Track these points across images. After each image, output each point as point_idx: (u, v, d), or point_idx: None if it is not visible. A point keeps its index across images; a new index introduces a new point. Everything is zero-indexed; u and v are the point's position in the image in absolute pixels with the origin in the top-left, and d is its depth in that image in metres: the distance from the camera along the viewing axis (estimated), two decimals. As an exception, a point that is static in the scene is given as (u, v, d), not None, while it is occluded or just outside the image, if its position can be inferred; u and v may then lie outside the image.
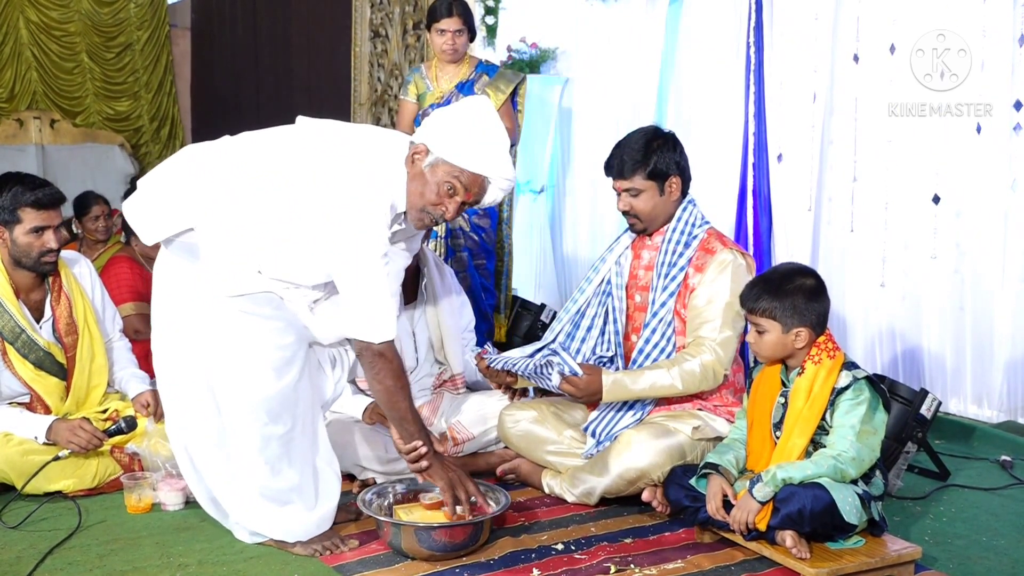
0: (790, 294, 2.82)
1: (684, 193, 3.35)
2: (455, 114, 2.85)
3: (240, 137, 2.91)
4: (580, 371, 3.17)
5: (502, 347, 3.42)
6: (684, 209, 3.35)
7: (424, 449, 2.85)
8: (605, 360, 3.36)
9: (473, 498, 2.86)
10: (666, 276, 3.28)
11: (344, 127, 2.92)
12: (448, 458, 2.99)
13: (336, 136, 2.85)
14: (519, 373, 3.33)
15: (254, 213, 2.77)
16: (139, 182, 2.96)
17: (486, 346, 3.58)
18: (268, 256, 2.79)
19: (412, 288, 3.81)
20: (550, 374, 3.18)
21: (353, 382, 3.51)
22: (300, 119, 2.92)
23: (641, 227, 3.35)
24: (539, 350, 3.42)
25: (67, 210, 3.80)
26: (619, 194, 3.33)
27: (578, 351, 3.40)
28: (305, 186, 2.74)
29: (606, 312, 3.44)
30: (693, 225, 3.33)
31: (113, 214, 5.79)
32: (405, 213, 2.84)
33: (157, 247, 2.95)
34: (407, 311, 3.77)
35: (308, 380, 2.91)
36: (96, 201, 5.51)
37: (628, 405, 3.29)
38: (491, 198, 2.86)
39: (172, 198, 2.84)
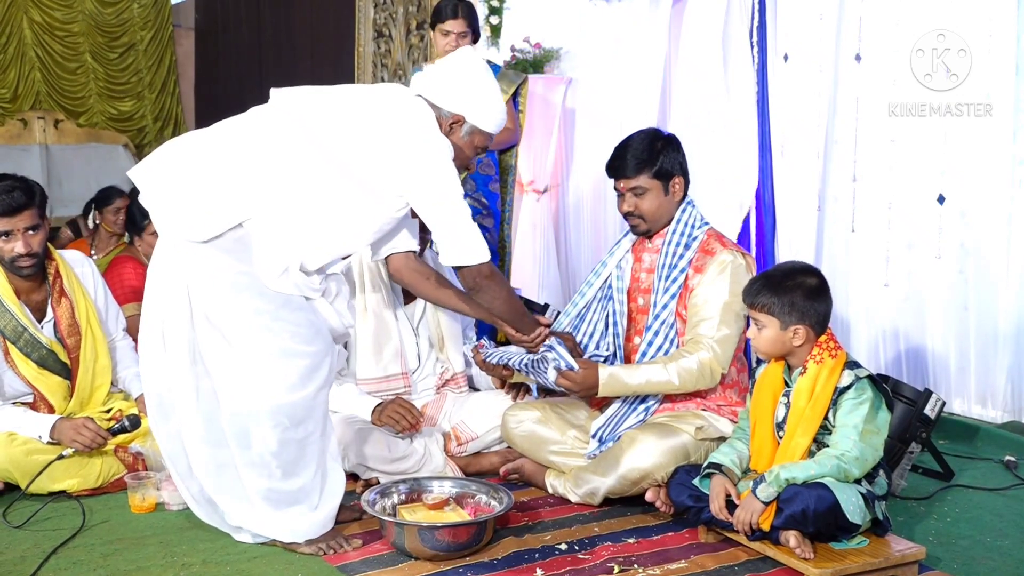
0: (789, 291, 2.82)
1: (684, 194, 3.36)
2: (473, 78, 3.00)
3: (254, 121, 2.87)
4: (576, 365, 3.17)
5: (503, 346, 3.43)
6: (683, 211, 3.35)
7: (546, 330, 3.26)
8: (602, 358, 3.36)
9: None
10: (667, 278, 3.28)
11: (346, 93, 2.97)
12: None
13: (359, 103, 2.93)
14: (515, 368, 3.34)
15: (310, 192, 2.79)
16: (139, 176, 2.85)
17: (482, 340, 3.59)
18: (324, 231, 2.83)
19: None
20: (546, 369, 3.18)
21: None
22: (275, 92, 2.93)
23: (645, 228, 3.34)
24: None
25: (74, 209, 3.78)
26: (622, 195, 3.33)
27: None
28: (361, 148, 2.83)
29: (607, 315, 3.45)
30: (692, 226, 3.33)
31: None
32: None
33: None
34: (408, 310, 3.77)
35: (328, 389, 2.92)
36: (119, 194, 5.52)
37: (632, 406, 3.29)
38: None
39: (216, 194, 2.76)
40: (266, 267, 2.77)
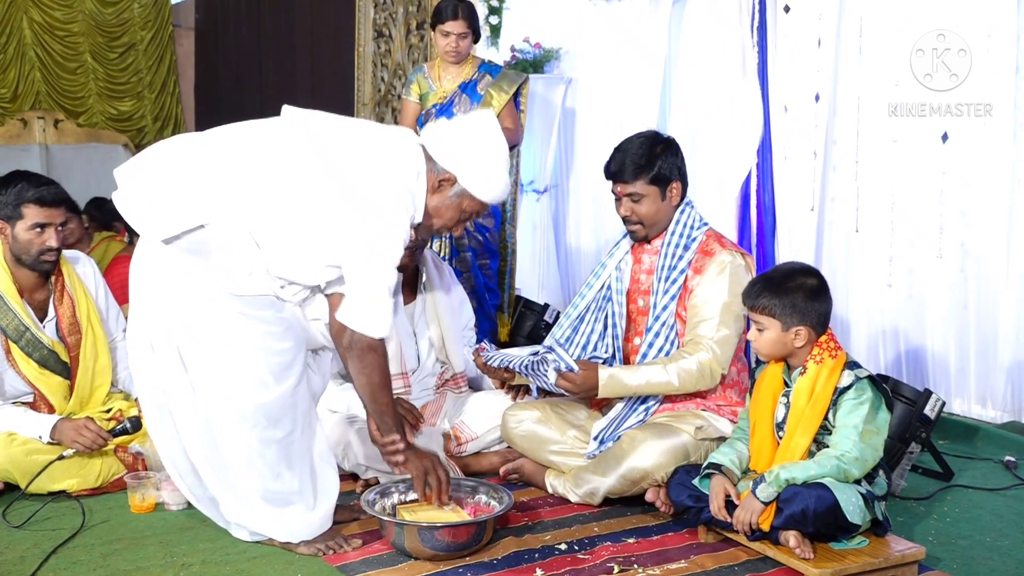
0: (790, 292, 2.82)
1: (682, 198, 3.36)
2: (476, 141, 2.86)
3: (240, 129, 2.87)
4: (576, 367, 3.17)
5: (504, 347, 3.43)
6: (682, 212, 3.35)
7: (402, 444, 2.91)
8: (601, 360, 3.36)
9: (444, 484, 2.93)
10: (667, 280, 3.28)
11: (349, 124, 2.91)
12: (423, 451, 3.00)
13: (353, 135, 2.85)
14: (515, 370, 3.34)
15: (271, 209, 2.74)
16: (121, 174, 2.83)
17: (483, 342, 3.59)
18: (279, 251, 2.75)
19: (412, 287, 3.82)
20: (546, 371, 3.18)
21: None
22: (286, 109, 2.88)
23: (643, 234, 3.34)
24: (536, 352, 3.42)
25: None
26: (619, 198, 3.33)
27: (579, 357, 3.39)
28: (329, 186, 2.72)
29: (606, 317, 3.45)
30: (692, 227, 3.33)
31: None
32: (417, 225, 2.88)
33: None
34: (407, 310, 3.77)
35: (306, 383, 2.91)
36: None
37: (631, 407, 3.29)
38: None
39: (180, 194, 2.76)
40: (229, 269, 2.74)
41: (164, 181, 2.80)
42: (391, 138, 2.90)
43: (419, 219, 2.86)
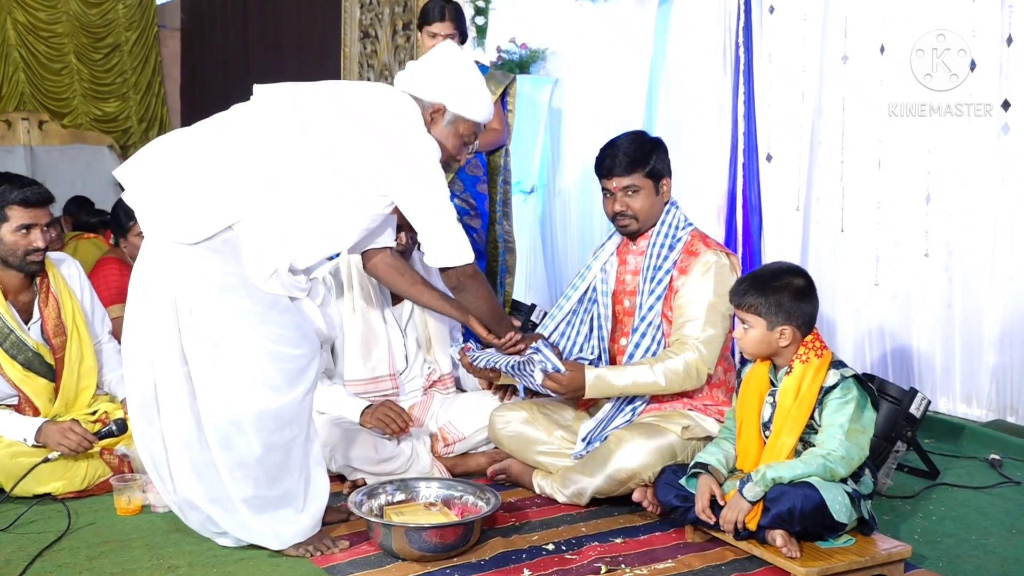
0: (776, 292, 2.83)
1: (669, 196, 3.37)
2: (453, 68, 3.02)
3: (241, 118, 2.86)
4: (563, 368, 3.17)
5: (490, 347, 3.43)
6: (667, 212, 3.36)
7: (519, 336, 3.24)
8: (587, 361, 3.36)
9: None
10: (652, 280, 3.29)
11: (340, 86, 3.05)
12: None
13: (351, 93, 2.98)
14: (501, 370, 3.33)
15: (298, 191, 2.78)
16: (125, 175, 2.82)
17: (468, 342, 3.58)
18: (313, 230, 2.82)
19: None
20: (532, 371, 3.18)
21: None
22: (259, 88, 2.93)
23: (635, 228, 3.34)
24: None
25: (58, 210, 3.78)
26: (612, 194, 3.33)
27: (565, 358, 3.39)
28: (350, 146, 2.83)
29: (591, 318, 3.45)
30: (677, 228, 3.34)
31: None
32: None
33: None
34: (395, 311, 3.77)
35: (314, 392, 2.91)
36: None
37: (619, 407, 3.29)
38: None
39: (206, 196, 2.74)
40: (256, 268, 2.76)
41: (183, 184, 2.77)
42: (381, 89, 3.03)
43: None
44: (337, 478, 3.44)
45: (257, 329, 2.74)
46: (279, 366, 2.76)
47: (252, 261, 2.75)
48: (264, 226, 2.76)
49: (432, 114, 2.97)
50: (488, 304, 3.16)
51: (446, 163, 3.03)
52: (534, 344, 3.24)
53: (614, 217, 3.37)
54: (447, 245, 2.94)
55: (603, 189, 3.37)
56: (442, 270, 3.02)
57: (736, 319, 2.95)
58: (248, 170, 2.77)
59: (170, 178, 2.79)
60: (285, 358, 2.77)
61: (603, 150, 3.36)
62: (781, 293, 2.82)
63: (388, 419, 3.44)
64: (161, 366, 2.80)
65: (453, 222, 2.93)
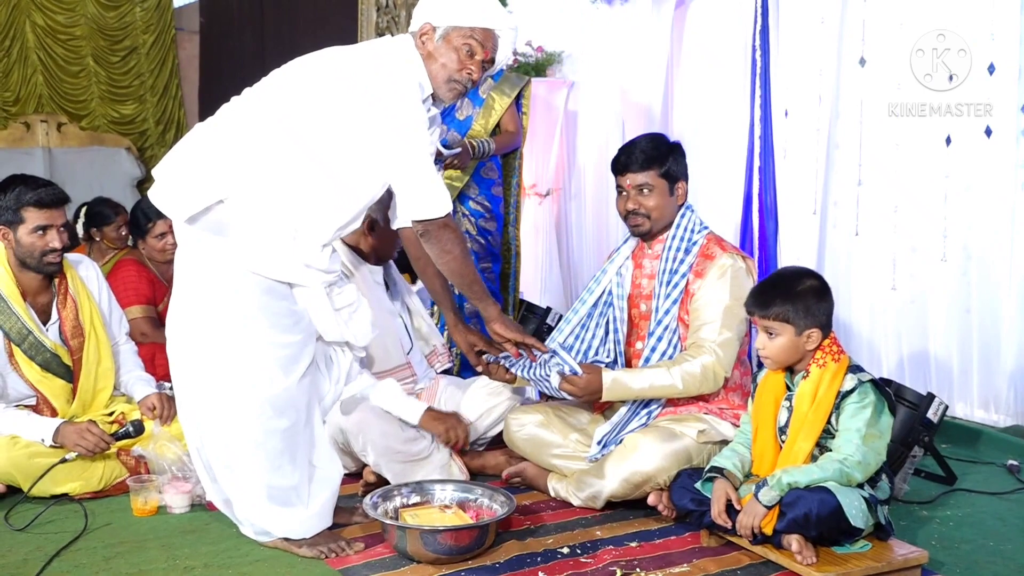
0: (802, 296, 2.82)
1: (684, 200, 3.37)
2: None
3: (240, 101, 2.89)
4: (579, 370, 3.17)
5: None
6: (683, 215, 3.36)
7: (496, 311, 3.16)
8: (603, 364, 3.36)
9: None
10: (668, 284, 3.28)
11: (334, 51, 2.93)
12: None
13: (337, 55, 2.89)
14: (518, 372, 3.33)
15: (287, 161, 2.76)
16: (155, 171, 2.91)
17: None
18: (308, 201, 2.78)
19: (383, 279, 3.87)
20: (548, 374, 3.18)
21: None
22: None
23: (647, 227, 3.34)
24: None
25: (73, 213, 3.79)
26: (626, 192, 3.33)
27: (581, 362, 3.39)
28: (332, 105, 2.78)
29: (607, 322, 3.45)
30: (692, 231, 3.33)
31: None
32: (433, 95, 2.92)
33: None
34: (388, 296, 3.83)
35: (311, 377, 2.92)
36: (116, 210, 5.41)
37: (634, 411, 3.29)
38: (504, 53, 2.98)
39: (195, 173, 2.78)
40: (251, 247, 2.75)
41: (180, 162, 2.84)
42: (375, 44, 2.96)
43: (431, 89, 2.90)
44: (352, 478, 3.44)
45: (250, 314, 2.77)
46: (272, 352, 2.79)
47: (245, 239, 2.75)
48: (257, 200, 2.75)
49: (423, 37, 2.88)
50: (460, 263, 2.97)
51: (463, 87, 2.92)
52: (551, 347, 3.24)
53: (626, 216, 3.36)
54: (425, 197, 2.82)
55: (617, 187, 3.37)
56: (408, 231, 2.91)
57: (757, 329, 2.93)
58: (241, 144, 2.78)
59: (177, 159, 2.85)
60: (278, 344, 2.80)
61: (621, 148, 3.38)
62: (807, 297, 2.82)
63: (452, 434, 3.42)
64: (190, 356, 2.86)
65: (434, 175, 2.83)
